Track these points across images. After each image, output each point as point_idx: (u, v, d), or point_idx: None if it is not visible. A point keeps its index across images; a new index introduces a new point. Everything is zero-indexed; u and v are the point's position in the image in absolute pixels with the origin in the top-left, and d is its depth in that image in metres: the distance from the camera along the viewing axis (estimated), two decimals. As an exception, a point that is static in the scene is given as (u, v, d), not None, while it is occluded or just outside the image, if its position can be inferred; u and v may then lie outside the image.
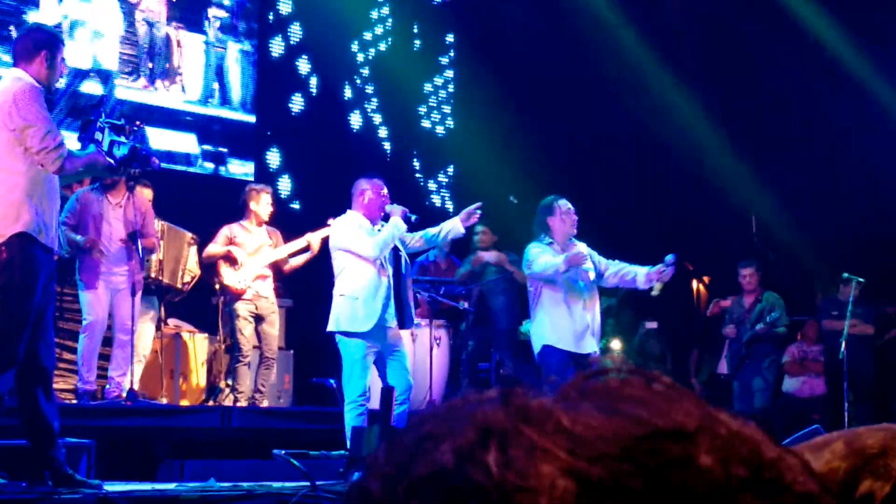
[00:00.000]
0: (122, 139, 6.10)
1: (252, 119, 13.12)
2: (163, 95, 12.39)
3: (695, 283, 13.36)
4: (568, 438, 0.61)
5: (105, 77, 11.90)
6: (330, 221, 10.31)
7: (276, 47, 13.58)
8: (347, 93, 14.09)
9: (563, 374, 7.83)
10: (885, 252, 12.97)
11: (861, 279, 10.65)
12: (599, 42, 14.25)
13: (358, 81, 14.12)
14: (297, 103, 13.70)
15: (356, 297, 7.78)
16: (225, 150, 12.83)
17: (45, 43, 5.97)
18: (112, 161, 6.01)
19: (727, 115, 14.07)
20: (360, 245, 7.85)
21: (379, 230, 7.98)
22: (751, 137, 14.03)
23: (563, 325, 8.23)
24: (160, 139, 11.91)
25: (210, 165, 12.68)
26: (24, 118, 5.72)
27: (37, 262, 5.76)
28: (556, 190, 8.82)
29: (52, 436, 5.84)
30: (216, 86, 12.89)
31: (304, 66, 13.74)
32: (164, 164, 5.90)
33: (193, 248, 9.94)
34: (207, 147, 12.68)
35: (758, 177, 13.86)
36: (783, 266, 13.42)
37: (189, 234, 9.92)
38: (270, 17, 13.54)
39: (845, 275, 10.80)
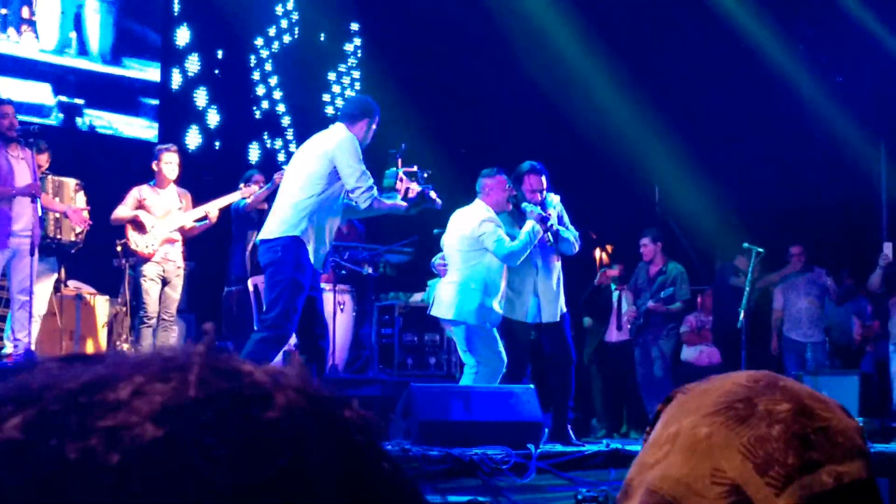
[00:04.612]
0: (414, 184, 7.48)
1: (113, 70, 12.86)
2: (15, 44, 12.09)
3: (598, 252, 13.46)
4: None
5: None
6: (241, 186, 10.18)
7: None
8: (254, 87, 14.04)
9: None
10: (783, 221, 13.22)
11: (760, 249, 10.78)
12: (506, 19, 14.23)
13: (258, 76, 14.02)
14: (200, 97, 13.57)
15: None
16: (81, 101, 12.59)
17: (369, 113, 7.44)
18: (406, 203, 7.40)
19: (632, 84, 14.18)
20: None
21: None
22: (655, 107, 14.15)
23: None
24: (12, 89, 11.59)
25: (62, 116, 12.43)
26: (343, 161, 7.10)
27: (305, 263, 7.00)
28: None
29: None
30: (73, 35, 12.57)
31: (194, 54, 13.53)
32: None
33: (80, 194, 9.70)
34: (62, 98, 12.41)
35: (661, 146, 14.00)
36: (685, 235, 13.60)
37: (74, 181, 9.67)
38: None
39: (745, 245, 10.91)
